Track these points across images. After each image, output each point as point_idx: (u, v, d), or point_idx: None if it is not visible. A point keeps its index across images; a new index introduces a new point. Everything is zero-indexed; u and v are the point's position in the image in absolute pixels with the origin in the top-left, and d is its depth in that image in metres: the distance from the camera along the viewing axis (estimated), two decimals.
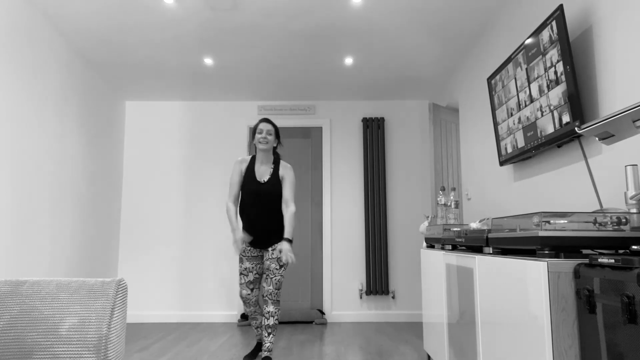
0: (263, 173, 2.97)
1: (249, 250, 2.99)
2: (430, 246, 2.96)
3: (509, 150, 2.67)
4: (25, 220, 3.07)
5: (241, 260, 2.99)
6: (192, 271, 4.65)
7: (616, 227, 1.40)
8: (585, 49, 2.08)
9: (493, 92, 2.86)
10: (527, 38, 2.38)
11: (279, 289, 2.91)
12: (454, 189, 3.17)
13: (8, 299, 1.21)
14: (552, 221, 1.40)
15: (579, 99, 1.98)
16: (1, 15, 2.78)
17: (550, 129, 2.19)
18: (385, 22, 3.24)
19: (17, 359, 1.15)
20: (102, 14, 3.15)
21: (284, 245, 2.79)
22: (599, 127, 1.28)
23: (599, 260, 1.19)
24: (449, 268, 2.36)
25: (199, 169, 4.79)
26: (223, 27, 3.33)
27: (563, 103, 2.07)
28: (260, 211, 2.94)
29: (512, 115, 2.61)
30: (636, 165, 1.45)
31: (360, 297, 4.62)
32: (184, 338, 3.83)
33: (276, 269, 2.90)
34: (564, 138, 2.08)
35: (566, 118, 2.06)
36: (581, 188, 2.08)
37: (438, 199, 3.25)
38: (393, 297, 4.62)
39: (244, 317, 4.46)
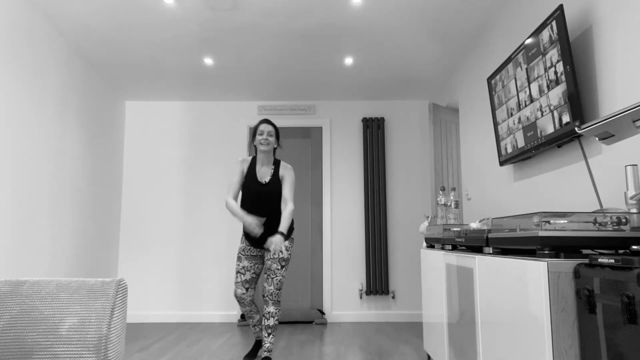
0: (264, 174, 2.98)
1: (249, 249, 2.98)
2: (430, 246, 2.96)
3: (509, 150, 2.67)
4: (25, 220, 3.07)
5: (239, 259, 2.98)
6: (192, 271, 4.65)
7: (616, 227, 1.40)
8: (585, 49, 2.08)
9: (493, 92, 2.86)
10: (527, 38, 2.38)
11: (279, 290, 2.90)
12: (454, 189, 3.17)
13: (8, 299, 1.21)
14: (552, 221, 1.40)
15: (579, 99, 1.98)
16: (1, 15, 2.78)
17: (550, 129, 2.19)
18: (385, 22, 3.24)
19: (17, 359, 1.15)
20: (102, 14, 3.15)
21: (275, 237, 2.76)
22: (599, 127, 1.28)
23: (599, 260, 1.19)
24: (449, 268, 2.36)
25: (199, 169, 4.79)
26: (223, 27, 3.33)
27: (563, 103, 2.08)
28: (261, 212, 2.94)
29: (512, 115, 2.61)
30: (636, 165, 1.45)
31: (360, 297, 4.62)
32: (184, 338, 3.83)
33: (277, 269, 2.89)
34: (564, 138, 2.08)
35: (566, 118, 2.06)
36: (581, 188, 2.08)
37: (438, 199, 3.25)
38: (393, 297, 4.62)
39: (244, 317, 4.46)
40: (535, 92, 2.33)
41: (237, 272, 2.97)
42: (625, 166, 1.52)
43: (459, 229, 2.29)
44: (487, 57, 3.29)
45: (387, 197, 4.75)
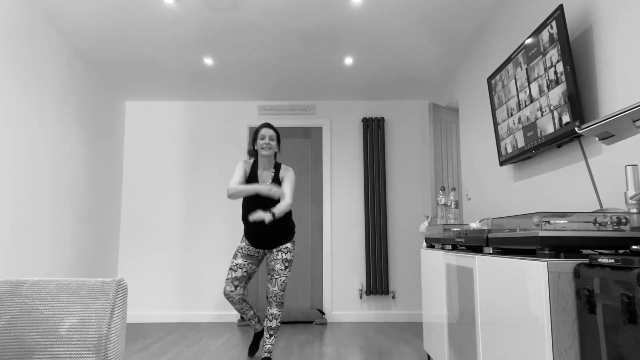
0: (265, 178, 2.99)
1: (247, 248, 2.98)
2: (430, 246, 2.96)
3: (509, 150, 2.67)
4: (25, 220, 3.07)
5: (235, 256, 2.97)
6: (192, 271, 4.65)
7: (616, 227, 1.40)
8: (585, 49, 2.08)
9: (493, 92, 2.86)
10: (527, 38, 2.38)
11: (283, 291, 2.90)
12: (454, 189, 3.17)
13: (8, 299, 1.21)
14: (552, 221, 1.40)
15: (579, 99, 1.98)
16: (1, 15, 2.78)
17: (550, 129, 2.19)
18: (385, 22, 3.24)
19: (17, 359, 1.15)
20: (102, 14, 3.15)
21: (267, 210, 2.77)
22: (599, 127, 1.28)
23: (599, 260, 1.19)
24: (449, 268, 2.36)
25: (199, 169, 4.79)
26: (223, 27, 3.32)
27: (563, 103, 2.07)
28: None
29: (512, 115, 2.61)
30: (636, 165, 1.45)
31: (360, 297, 4.62)
32: (184, 338, 3.83)
33: (281, 269, 2.89)
34: (564, 138, 2.08)
35: (566, 118, 2.06)
36: (581, 188, 2.08)
37: (438, 199, 3.25)
38: (393, 297, 4.62)
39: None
40: (535, 92, 2.33)
41: (230, 269, 2.94)
42: (625, 166, 1.52)
43: (459, 229, 2.29)
44: (487, 57, 3.29)
45: (387, 197, 4.75)
